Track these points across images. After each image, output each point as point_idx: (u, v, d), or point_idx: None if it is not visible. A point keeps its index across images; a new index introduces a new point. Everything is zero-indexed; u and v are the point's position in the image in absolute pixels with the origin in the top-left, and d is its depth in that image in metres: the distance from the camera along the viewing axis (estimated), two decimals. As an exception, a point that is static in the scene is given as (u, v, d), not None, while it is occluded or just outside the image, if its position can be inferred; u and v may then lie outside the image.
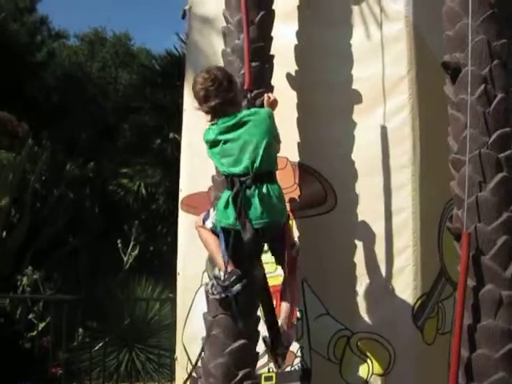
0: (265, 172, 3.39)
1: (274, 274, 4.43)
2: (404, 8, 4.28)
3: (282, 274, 4.40)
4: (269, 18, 4.11)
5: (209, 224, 3.63)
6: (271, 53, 4.16)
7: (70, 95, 14.88)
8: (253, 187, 3.33)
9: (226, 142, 3.45)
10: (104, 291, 8.23)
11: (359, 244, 4.25)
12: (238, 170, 3.39)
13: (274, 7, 4.17)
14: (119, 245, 8.59)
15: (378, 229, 4.20)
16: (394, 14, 4.32)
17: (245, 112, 3.51)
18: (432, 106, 4.11)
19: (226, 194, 3.44)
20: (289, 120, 4.42)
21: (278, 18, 4.23)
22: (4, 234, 8.44)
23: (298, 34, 4.54)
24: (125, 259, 8.71)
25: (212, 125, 3.51)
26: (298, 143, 4.45)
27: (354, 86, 4.35)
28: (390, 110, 4.25)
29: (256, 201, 3.32)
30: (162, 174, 9.68)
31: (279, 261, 3.67)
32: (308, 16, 4.55)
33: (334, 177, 4.34)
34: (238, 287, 3.38)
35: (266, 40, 4.06)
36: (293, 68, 4.51)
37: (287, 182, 4.43)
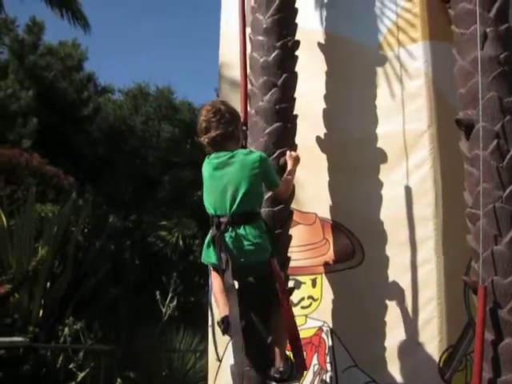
0: (243, 214, 3.41)
1: (303, 328, 4.51)
2: (423, 65, 4.41)
3: (312, 327, 4.50)
4: (292, 79, 4.26)
5: None
6: (295, 113, 4.31)
7: (114, 148, 15.38)
8: (230, 229, 3.37)
9: (212, 178, 3.52)
10: (142, 342, 8.33)
11: (386, 297, 4.30)
12: (218, 210, 3.44)
13: (297, 69, 4.34)
14: (158, 296, 8.73)
15: (404, 282, 4.25)
16: (413, 70, 4.45)
17: (238, 152, 3.54)
18: (453, 160, 4.15)
19: (209, 234, 3.49)
20: (316, 177, 4.57)
21: (302, 78, 4.39)
22: (48, 284, 8.68)
23: (323, 93, 4.72)
24: (163, 310, 8.83)
25: (207, 157, 3.60)
26: (326, 199, 4.57)
27: (377, 143, 4.48)
28: (412, 165, 4.34)
29: (233, 243, 3.36)
30: (199, 226, 9.87)
31: (265, 298, 3.61)
32: (332, 74, 4.72)
33: (361, 232, 4.43)
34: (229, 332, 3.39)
35: (289, 101, 4.20)
36: (319, 126, 4.68)
37: (316, 237, 4.55)
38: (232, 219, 3.39)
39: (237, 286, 3.48)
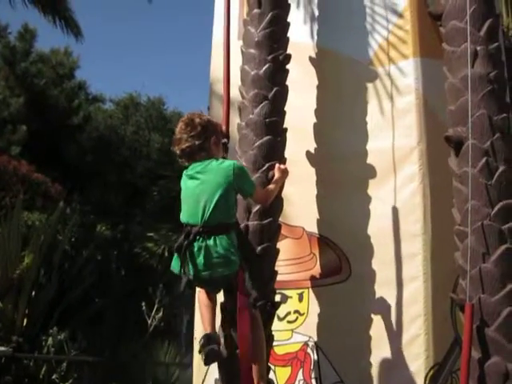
0: (214, 224, 3.39)
1: (289, 342, 4.49)
2: (414, 81, 4.43)
3: (298, 342, 4.47)
4: (282, 93, 4.27)
5: None
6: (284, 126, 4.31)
7: (103, 158, 15.31)
8: (200, 239, 3.34)
9: (188, 188, 3.53)
10: (127, 354, 8.26)
11: (373, 313, 4.29)
12: (190, 220, 3.43)
13: (287, 82, 4.34)
14: (143, 307, 8.67)
15: (391, 298, 4.24)
16: (404, 87, 4.47)
17: (212, 162, 3.54)
18: (442, 177, 4.16)
19: (177, 243, 3.48)
20: (305, 191, 4.57)
21: (293, 91, 4.39)
22: (33, 293, 8.60)
23: (313, 107, 4.72)
24: (149, 322, 8.77)
25: (185, 170, 3.62)
26: (314, 214, 4.56)
27: (367, 158, 4.48)
28: (402, 180, 4.35)
29: (200, 253, 3.33)
30: (187, 240, 9.85)
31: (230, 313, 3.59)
32: (323, 88, 4.73)
33: (348, 247, 4.43)
34: (205, 350, 3.38)
35: (279, 115, 4.21)
36: (308, 140, 4.68)
37: (303, 252, 4.54)
38: (203, 229, 3.36)
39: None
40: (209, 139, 3.60)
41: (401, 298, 4.20)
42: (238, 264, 3.43)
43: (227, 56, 4.34)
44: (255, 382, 3.45)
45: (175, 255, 3.48)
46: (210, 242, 3.35)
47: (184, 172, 3.64)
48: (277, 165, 3.97)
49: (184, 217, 3.50)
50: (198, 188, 3.47)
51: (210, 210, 3.40)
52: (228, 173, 3.49)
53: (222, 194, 3.43)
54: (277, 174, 3.92)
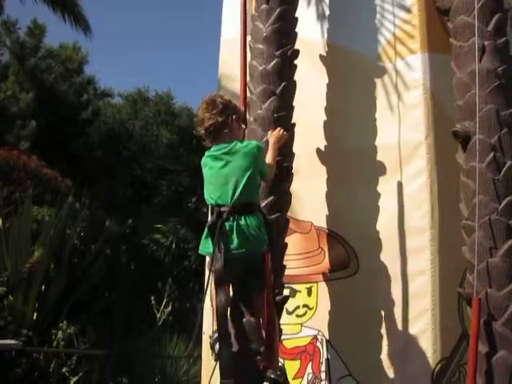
0: (244, 204, 3.43)
1: (297, 336, 4.52)
2: (421, 76, 4.43)
3: (307, 336, 4.49)
4: (291, 88, 4.28)
5: None
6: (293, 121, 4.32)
7: (112, 152, 15.37)
8: (231, 218, 3.38)
9: (213, 169, 3.55)
10: (136, 347, 8.31)
11: (381, 307, 4.31)
12: (218, 200, 3.46)
13: (296, 78, 4.36)
14: (152, 301, 8.72)
15: (399, 292, 4.26)
16: (412, 82, 4.48)
17: (237, 144, 3.56)
18: (450, 171, 4.17)
19: (208, 223, 3.50)
20: (313, 186, 4.59)
21: (302, 87, 4.40)
22: (43, 287, 8.66)
23: (322, 102, 4.73)
24: (158, 315, 8.82)
25: (207, 151, 3.64)
26: (323, 208, 4.58)
27: (375, 153, 4.50)
28: (409, 175, 4.36)
29: (233, 232, 3.37)
30: (194, 233, 9.87)
31: (249, 295, 3.55)
32: (331, 84, 4.74)
33: (356, 241, 4.45)
34: (217, 346, 3.40)
35: (287, 110, 4.22)
36: (317, 135, 4.70)
37: (311, 246, 4.57)
38: (233, 209, 3.40)
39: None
40: (231, 117, 3.61)
41: (408, 292, 4.22)
42: (266, 243, 3.47)
43: (244, 52, 4.34)
44: (269, 364, 3.46)
45: (204, 237, 3.51)
46: (242, 221, 3.39)
47: (207, 153, 3.64)
48: (269, 132, 3.97)
49: (211, 198, 3.52)
50: (225, 169, 3.49)
51: (240, 190, 3.42)
52: (254, 155, 3.52)
53: (250, 176, 3.46)
54: (270, 140, 3.90)
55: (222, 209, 3.41)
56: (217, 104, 3.58)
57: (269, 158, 3.81)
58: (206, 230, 3.52)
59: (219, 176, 3.50)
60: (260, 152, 3.58)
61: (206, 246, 3.51)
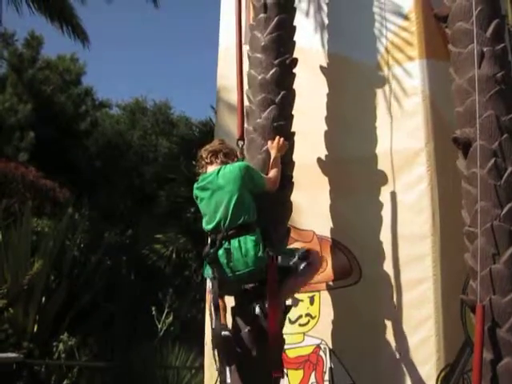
0: (237, 227, 3.56)
1: (300, 345, 4.50)
2: (420, 83, 4.44)
3: (310, 345, 4.48)
4: (290, 97, 4.28)
5: None
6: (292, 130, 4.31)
7: (110, 163, 15.37)
8: (225, 243, 3.53)
9: (203, 199, 3.73)
10: (138, 358, 8.26)
11: (383, 315, 4.29)
12: (211, 227, 3.63)
13: (296, 87, 4.35)
14: (153, 312, 8.69)
15: (401, 300, 4.25)
16: (410, 89, 4.48)
17: (221, 170, 3.70)
18: (450, 178, 4.18)
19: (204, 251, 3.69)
20: (314, 194, 4.59)
21: (301, 96, 4.40)
22: (43, 299, 8.62)
23: (321, 111, 4.73)
24: (159, 326, 8.78)
25: (196, 183, 3.82)
26: (324, 217, 4.57)
27: (375, 161, 4.50)
28: (410, 182, 4.36)
29: (225, 256, 3.52)
30: (194, 242, 9.85)
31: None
32: (330, 92, 4.74)
33: (358, 249, 4.44)
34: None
35: (286, 118, 4.22)
36: (317, 144, 4.69)
37: (314, 255, 4.54)
38: (227, 233, 3.55)
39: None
40: (230, 157, 3.88)
41: (411, 299, 4.21)
42: (265, 259, 3.53)
43: (240, 62, 4.35)
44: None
45: (205, 262, 3.67)
46: (235, 244, 3.52)
47: (195, 186, 3.82)
48: (269, 142, 4.00)
49: (207, 226, 3.69)
50: (213, 198, 3.65)
51: (230, 215, 3.56)
52: (239, 177, 3.64)
53: (238, 198, 3.59)
54: (272, 152, 3.95)
55: (217, 236, 3.57)
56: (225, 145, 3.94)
57: (272, 172, 3.89)
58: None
59: (210, 205, 3.67)
60: (246, 171, 3.69)
61: (207, 271, 3.69)
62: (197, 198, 3.80)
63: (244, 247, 3.50)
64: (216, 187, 3.65)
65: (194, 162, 4.03)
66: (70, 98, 16.51)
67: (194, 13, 38.13)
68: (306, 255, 3.70)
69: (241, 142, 4.15)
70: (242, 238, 3.52)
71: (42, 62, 16.43)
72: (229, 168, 3.71)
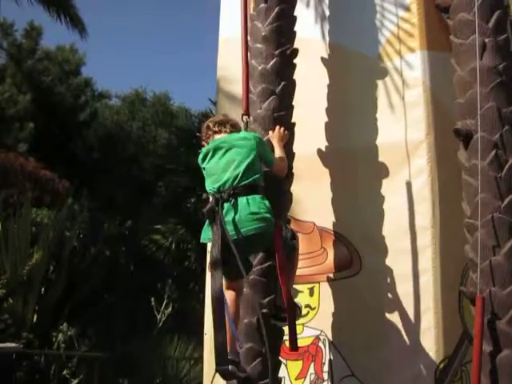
0: (245, 185, 3.43)
1: (300, 336, 4.49)
2: (421, 74, 4.42)
3: (309, 336, 4.48)
4: (290, 87, 4.25)
5: None
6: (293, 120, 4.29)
7: (110, 154, 15.36)
8: (232, 200, 3.37)
9: (212, 160, 3.60)
10: (137, 349, 8.28)
11: (383, 307, 4.29)
12: (217, 185, 3.46)
13: (297, 78, 4.33)
14: (153, 303, 8.70)
15: (401, 291, 4.25)
16: (412, 80, 4.46)
17: (233, 134, 3.66)
18: (451, 170, 4.16)
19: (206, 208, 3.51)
20: (315, 186, 4.57)
21: (302, 87, 4.38)
22: (42, 290, 8.63)
23: (323, 102, 4.71)
24: (158, 317, 8.79)
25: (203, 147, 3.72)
26: (324, 208, 4.55)
27: (375, 152, 4.48)
28: (410, 174, 4.34)
29: (232, 211, 3.35)
30: (194, 233, 9.86)
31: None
32: (331, 83, 4.72)
33: (359, 241, 4.43)
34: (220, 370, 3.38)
35: (287, 109, 4.20)
36: (318, 135, 4.68)
37: (314, 246, 4.54)
38: (234, 190, 3.40)
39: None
40: (236, 128, 3.79)
41: (410, 291, 4.20)
42: (273, 223, 3.43)
43: (245, 52, 4.28)
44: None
45: (205, 225, 3.51)
46: (243, 200, 3.38)
47: (204, 149, 3.68)
48: (270, 132, 3.97)
49: (212, 185, 3.52)
50: (226, 156, 3.54)
51: (241, 171, 3.44)
52: (253, 141, 3.58)
53: (251, 159, 3.50)
54: (273, 142, 3.92)
55: (223, 194, 3.40)
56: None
57: (278, 153, 3.85)
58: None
59: (219, 165, 3.55)
60: (260, 140, 3.66)
61: (207, 234, 3.50)
62: (204, 158, 3.64)
63: (252, 203, 3.37)
64: (231, 146, 3.55)
65: (198, 134, 3.91)
66: (70, 89, 16.49)
67: (194, 3, 37.98)
68: (294, 234, 3.67)
69: (246, 118, 4.08)
70: (250, 197, 3.40)
71: (41, 53, 16.40)
72: (244, 133, 3.69)
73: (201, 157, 3.68)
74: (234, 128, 3.74)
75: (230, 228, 3.32)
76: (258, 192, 3.46)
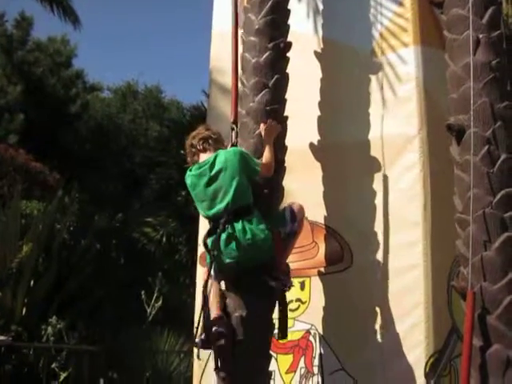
0: (237, 209, 3.58)
1: (291, 330, 4.49)
2: (414, 69, 4.42)
3: (300, 330, 4.49)
4: (283, 81, 4.25)
5: None
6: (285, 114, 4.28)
7: (101, 146, 15.29)
8: (228, 227, 3.53)
9: (199, 186, 3.71)
10: (127, 342, 8.26)
11: (374, 301, 4.30)
12: (211, 213, 3.64)
13: (289, 72, 4.32)
14: (143, 296, 8.69)
15: (392, 286, 4.25)
16: (404, 75, 4.46)
17: (217, 157, 3.70)
18: (443, 165, 4.17)
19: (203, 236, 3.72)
20: (306, 180, 4.56)
21: (295, 81, 4.37)
22: (32, 282, 8.59)
23: (315, 96, 4.70)
24: (148, 310, 8.78)
25: (189, 170, 3.82)
26: (316, 203, 4.55)
27: (367, 147, 4.48)
28: (402, 169, 4.35)
29: (232, 239, 3.52)
30: (185, 226, 9.85)
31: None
32: (324, 78, 4.71)
33: (350, 235, 4.44)
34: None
35: (279, 103, 4.19)
36: (310, 129, 4.67)
37: (305, 240, 4.53)
38: (228, 216, 3.54)
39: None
40: (220, 143, 3.92)
41: (401, 286, 4.21)
42: (269, 237, 3.57)
43: (235, 45, 4.32)
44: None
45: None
46: (239, 226, 3.52)
47: (189, 174, 3.81)
48: (261, 125, 3.97)
49: (207, 212, 3.69)
50: (212, 185, 3.65)
51: (231, 199, 3.56)
52: (235, 162, 3.65)
53: (237, 182, 3.60)
54: (264, 135, 3.93)
55: (218, 220, 3.57)
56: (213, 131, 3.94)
57: (266, 156, 3.87)
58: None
59: (208, 192, 3.67)
60: (241, 156, 3.71)
61: (208, 257, 3.67)
62: (191, 185, 3.78)
63: (249, 229, 3.51)
64: (214, 173, 3.65)
65: (182, 152, 4.01)
66: (61, 81, 16.37)
67: (187, -4, 37.77)
68: (294, 214, 3.78)
69: (234, 126, 4.12)
70: (245, 221, 3.53)
71: (32, 44, 16.27)
72: (225, 154, 3.72)
73: (188, 182, 3.81)
74: (217, 144, 3.83)
75: (228, 256, 3.54)
76: (250, 212, 3.60)
